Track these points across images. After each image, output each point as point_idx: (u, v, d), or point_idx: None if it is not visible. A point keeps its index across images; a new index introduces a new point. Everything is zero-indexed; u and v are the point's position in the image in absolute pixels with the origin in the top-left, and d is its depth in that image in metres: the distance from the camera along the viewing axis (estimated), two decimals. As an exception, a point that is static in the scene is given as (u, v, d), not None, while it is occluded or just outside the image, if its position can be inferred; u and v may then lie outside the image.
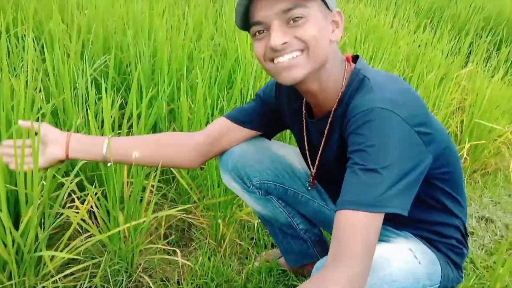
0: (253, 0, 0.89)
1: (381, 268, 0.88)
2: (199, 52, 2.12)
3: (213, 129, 1.20)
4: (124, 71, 2.07)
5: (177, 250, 1.38)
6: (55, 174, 1.23)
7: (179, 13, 2.48)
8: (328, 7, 0.91)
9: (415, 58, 2.76)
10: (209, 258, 1.46)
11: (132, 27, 2.07)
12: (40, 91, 1.51)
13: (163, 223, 1.58)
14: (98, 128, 1.33)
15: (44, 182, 1.16)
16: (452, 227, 1.06)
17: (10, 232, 1.06)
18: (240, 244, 1.61)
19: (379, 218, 0.80)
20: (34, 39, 1.84)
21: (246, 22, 0.93)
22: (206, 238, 1.58)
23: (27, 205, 1.10)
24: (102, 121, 1.60)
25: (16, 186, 1.12)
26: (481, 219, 2.05)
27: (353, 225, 0.79)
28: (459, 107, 2.66)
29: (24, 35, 1.99)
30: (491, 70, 2.92)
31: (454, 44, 3.30)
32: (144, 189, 1.43)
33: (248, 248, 1.57)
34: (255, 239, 1.63)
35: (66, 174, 1.43)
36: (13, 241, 1.10)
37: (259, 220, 1.64)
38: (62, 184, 1.42)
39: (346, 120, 0.91)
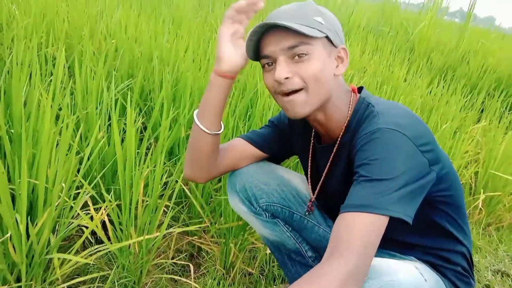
0: (263, 36, 0.96)
1: (388, 274, 0.86)
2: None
3: (233, 155, 1.21)
4: (145, 98, 2.12)
5: (191, 266, 1.34)
6: (77, 174, 1.23)
7: (200, 51, 2.58)
8: (333, 44, 0.97)
9: (429, 110, 2.80)
10: (218, 283, 1.41)
11: (157, 56, 2.14)
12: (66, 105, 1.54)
13: (172, 245, 1.55)
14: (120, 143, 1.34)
15: (63, 184, 1.16)
16: (458, 254, 1.05)
17: (26, 230, 1.04)
18: (249, 274, 1.56)
19: (381, 221, 0.80)
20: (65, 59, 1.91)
21: (257, 54, 1.00)
22: (215, 265, 1.54)
23: (45, 206, 1.10)
24: (122, 140, 1.63)
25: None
26: (497, 273, 1.99)
27: (353, 225, 0.80)
28: (472, 160, 2.66)
29: (54, 56, 2.06)
30: (504, 127, 2.94)
31: (467, 100, 3.35)
32: (157, 209, 1.42)
33: (259, 276, 1.52)
34: (265, 271, 1.58)
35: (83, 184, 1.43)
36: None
37: (268, 251, 1.60)
38: (76, 196, 1.42)
39: (353, 143, 0.94)
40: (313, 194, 1.18)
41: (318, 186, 1.14)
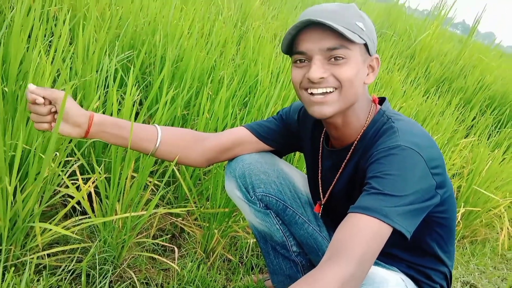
0: (301, 31, 0.94)
1: (380, 283, 0.89)
2: (223, 65, 2.16)
3: (230, 137, 1.21)
4: (144, 71, 2.09)
5: (175, 249, 1.35)
6: (68, 145, 1.21)
7: (205, 31, 2.54)
8: (368, 52, 0.97)
9: (423, 119, 2.83)
10: (198, 267, 1.42)
11: (162, 30, 2.11)
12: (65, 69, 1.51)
13: (155, 224, 1.55)
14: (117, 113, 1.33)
15: (57, 153, 1.14)
16: (440, 273, 1.08)
17: (14, 195, 1.03)
18: (228, 260, 1.58)
19: (386, 229, 0.82)
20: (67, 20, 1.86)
21: (290, 48, 0.98)
22: (195, 248, 1.55)
23: (35, 172, 1.08)
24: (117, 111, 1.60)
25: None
26: (466, 284, 2.05)
27: (359, 227, 0.81)
28: (456, 174, 2.70)
29: (56, 16, 2.01)
30: (492, 144, 3.00)
31: (459, 114, 3.39)
32: (145, 187, 1.41)
33: (238, 264, 1.54)
34: (244, 259, 1.60)
35: (73, 152, 1.41)
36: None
37: (253, 240, 1.62)
38: (66, 164, 1.40)
39: (369, 154, 0.95)
40: (323, 196, 1.17)
41: (330, 189, 1.13)
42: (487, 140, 3.16)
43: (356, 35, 0.92)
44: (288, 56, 1.03)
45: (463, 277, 2.08)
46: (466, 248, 2.34)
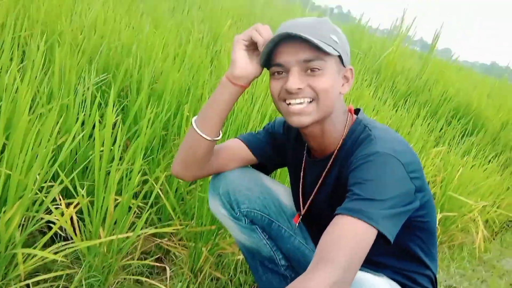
0: (278, 45, 0.97)
1: (368, 286, 0.90)
2: (195, 89, 2.17)
3: (227, 157, 1.20)
4: (119, 94, 2.07)
5: (167, 268, 1.31)
6: (48, 169, 1.19)
7: (181, 52, 2.55)
8: (343, 64, 1.01)
9: (395, 130, 2.91)
10: (187, 287, 1.40)
11: (136, 53, 2.11)
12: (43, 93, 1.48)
13: (139, 247, 1.52)
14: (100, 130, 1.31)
15: (37, 176, 1.11)
16: (425, 277, 1.10)
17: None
18: (216, 278, 1.55)
19: (370, 233, 0.83)
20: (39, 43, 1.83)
21: (267, 61, 1.01)
22: (182, 269, 1.52)
23: (14, 197, 1.05)
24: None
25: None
26: (449, 288, 2.10)
27: (344, 231, 0.82)
28: (430, 181, 2.79)
29: (26, 41, 1.98)
30: (461, 152, 3.11)
31: (427, 125, 3.52)
32: (129, 209, 1.38)
33: (226, 282, 1.52)
34: (232, 276, 1.58)
35: (55, 178, 1.38)
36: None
37: (240, 256, 1.60)
38: (45, 189, 1.36)
39: (349, 162, 0.98)
40: (302, 207, 1.18)
41: (309, 200, 1.15)
42: (455, 149, 3.28)
43: (331, 47, 0.96)
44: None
45: (445, 281, 2.13)
46: (445, 253, 2.40)
